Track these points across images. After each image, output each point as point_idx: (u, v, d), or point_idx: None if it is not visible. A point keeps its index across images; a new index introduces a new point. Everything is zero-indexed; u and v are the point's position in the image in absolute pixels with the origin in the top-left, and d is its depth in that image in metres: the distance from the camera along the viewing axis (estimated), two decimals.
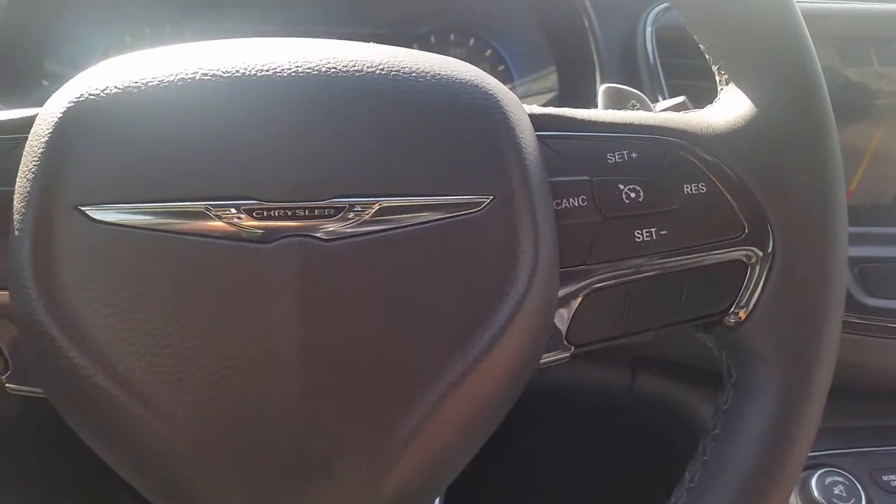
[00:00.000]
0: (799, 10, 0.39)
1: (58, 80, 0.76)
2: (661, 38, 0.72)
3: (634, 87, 0.72)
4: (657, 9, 0.73)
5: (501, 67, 0.86)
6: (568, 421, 0.91)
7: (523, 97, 0.84)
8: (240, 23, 0.85)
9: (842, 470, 0.67)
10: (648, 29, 0.72)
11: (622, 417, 0.89)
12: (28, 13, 0.74)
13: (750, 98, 0.38)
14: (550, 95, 0.82)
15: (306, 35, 0.84)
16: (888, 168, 0.76)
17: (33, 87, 0.76)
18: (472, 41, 0.87)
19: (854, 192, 0.75)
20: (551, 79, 0.82)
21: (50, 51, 0.77)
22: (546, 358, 0.37)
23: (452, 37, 0.87)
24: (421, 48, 0.87)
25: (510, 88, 0.85)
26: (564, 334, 0.37)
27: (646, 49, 0.71)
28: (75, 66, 0.79)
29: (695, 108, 0.45)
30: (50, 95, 0.34)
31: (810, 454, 0.69)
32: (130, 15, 0.82)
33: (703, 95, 0.43)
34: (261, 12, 0.86)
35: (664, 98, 0.70)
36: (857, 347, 0.68)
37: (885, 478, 0.67)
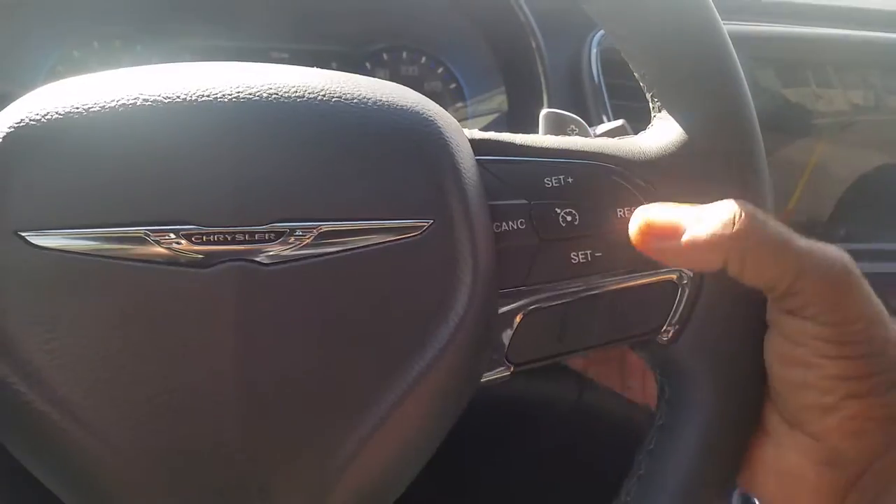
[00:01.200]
0: (728, 39, 0.40)
1: (3, 100, 0.75)
2: (606, 60, 0.74)
3: (580, 108, 0.74)
4: (602, 31, 0.75)
5: (453, 85, 0.87)
6: (514, 434, 0.92)
7: (473, 117, 0.86)
8: (191, 38, 0.85)
9: None
10: (594, 51, 0.74)
11: (570, 430, 0.90)
12: None
13: (681, 124, 0.39)
14: (499, 114, 0.84)
15: (259, 51, 0.86)
16: (825, 186, 0.78)
17: None
18: (423, 59, 0.88)
19: (792, 211, 0.78)
20: (500, 98, 0.84)
21: None
22: (487, 377, 0.38)
23: (405, 55, 0.88)
24: (374, 65, 0.88)
25: (461, 108, 0.87)
26: (505, 353, 0.38)
27: (591, 70, 0.72)
28: (23, 85, 0.78)
29: (635, 130, 0.46)
30: None
31: None
32: (78, 30, 0.81)
33: (646, 117, 0.45)
34: (214, 28, 0.86)
35: (608, 118, 0.72)
36: None
37: None
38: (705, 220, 0.36)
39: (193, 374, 0.32)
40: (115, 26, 0.82)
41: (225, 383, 0.32)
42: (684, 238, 0.36)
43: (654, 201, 0.38)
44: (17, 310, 0.31)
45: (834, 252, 0.36)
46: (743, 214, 0.35)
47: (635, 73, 0.41)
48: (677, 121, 0.40)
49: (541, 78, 0.74)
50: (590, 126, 0.58)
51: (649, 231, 0.37)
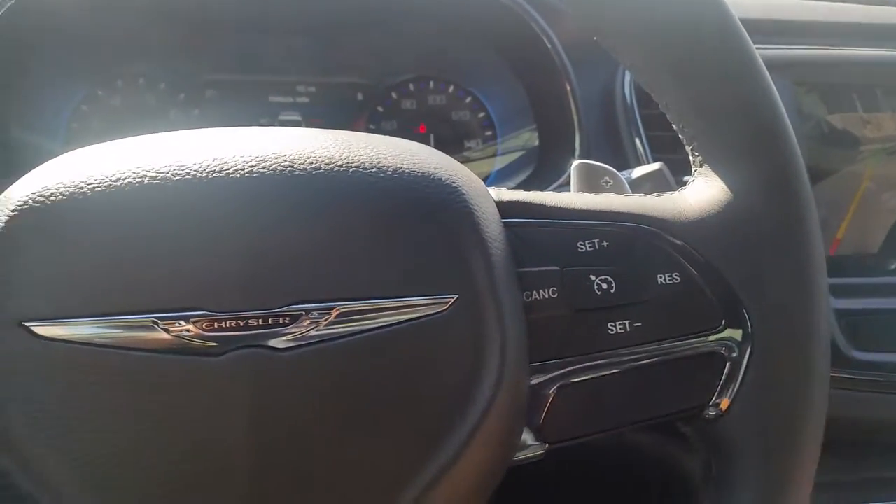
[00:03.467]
0: (773, 88, 0.37)
1: (24, 150, 0.75)
2: (640, 89, 0.71)
3: (614, 140, 0.71)
4: None
5: (482, 114, 0.85)
6: (558, 480, 0.90)
7: (503, 153, 0.83)
8: (216, 74, 0.84)
9: None
10: (627, 80, 0.71)
11: (612, 472, 0.87)
12: None
13: (724, 181, 0.37)
14: (529, 150, 0.81)
15: (285, 85, 0.84)
16: (874, 216, 0.75)
17: None
18: (451, 88, 0.86)
19: (840, 241, 0.74)
20: (530, 133, 0.81)
21: (12, 113, 0.75)
22: (520, 456, 0.36)
23: (432, 84, 0.86)
24: (400, 96, 0.86)
25: (491, 137, 0.85)
26: (539, 430, 0.36)
27: (624, 101, 0.70)
28: (45, 131, 0.78)
29: (674, 172, 0.44)
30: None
31: None
32: (101, 69, 0.80)
33: (685, 150, 0.41)
34: (238, 63, 0.85)
35: (645, 149, 0.69)
36: (844, 402, 0.66)
37: None
38: None
39: (207, 471, 0.30)
40: (139, 64, 0.81)
41: (239, 478, 0.30)
42: None
43: (696, 266, 0.36)
44: (21, 402, 0.30)
45: None
46: None
47: (674, 126, 0.39)
48: (720, 177, 0.37)
49: (572, 109, 0.71)
50: (626, 167, 0.56)
51: None
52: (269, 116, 0.83)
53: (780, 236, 0.36)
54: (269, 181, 0.32)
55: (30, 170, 0.33)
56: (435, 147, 0.88)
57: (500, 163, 0.83)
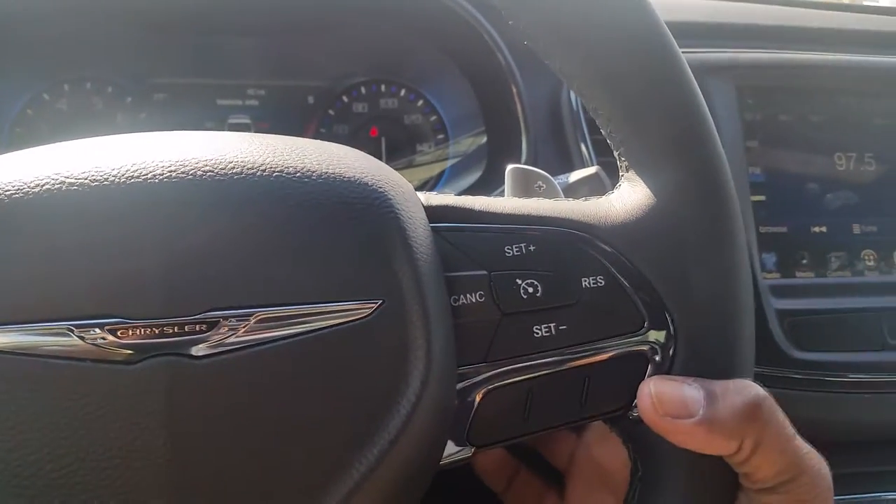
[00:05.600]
0: (699, 92, 0.38)
1: None
2: None
3: (560, 145, 0.72)
4: None
5: (434, 118, 0.85)
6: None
7: (454, 157, 0.83)
8: (165, 77, 0.83)
9: None
10: None
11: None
12: None
13: (649, 186, 0.37)
14: (480, 143, 0.81)
15: (234, 88, 0.84)
16: (816, 217, 0.76)
17: None
18: (403, 91, 0.86)
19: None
20: (480, 136, 0.82)
21: None
22: (446, 459, 0.36)
23: (383, 87, 0.86)
24: (351, 99, 0.86)
25: (443, 140, 0.85)
26: (466, 434, 0.36)
27: (570, 106, 0.70)
28: None
29: (615, 179, 0.44)
30: None
31: None
32: (47, 73, 0.79)
33: None
34: (189, 65, 0.84)
35: (590, 154, 0.70)
36: (788, 402, 0.67)
37: None
38: (723, 401, 0.34)
39: (121, 480, 0.30)
40: (86, 68, 0.80)
41: (154, 489, 0.30)
42: (698, 418, 0.34)
43: (621, 269, 0.36)
44: None
45: (819, 457, 0.36)
46: (765, 402, 0.35)
47: (602, 130, 0.39)
48: (646, 182, 0.37)
49: (520, 114, 0.72)
50: (572, 170, 0.56)
51: (660, 407, 0.34)
52: (217, 120, 0.82)
53: (704, 239, 0.36)
54: (189, 186, 0.31)
55: None
56: (387, 151, 0.88)
57: (450, 166, 0.83)
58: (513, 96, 0.72)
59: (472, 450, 0.36)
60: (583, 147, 0.70)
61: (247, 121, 0.83)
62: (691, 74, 0.38)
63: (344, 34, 0.84)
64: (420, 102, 0.85)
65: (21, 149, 0.34)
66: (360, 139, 0.84)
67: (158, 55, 0.83)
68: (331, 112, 0.85)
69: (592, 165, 0.63)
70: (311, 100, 0.85)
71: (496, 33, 0.75)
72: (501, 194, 0.47)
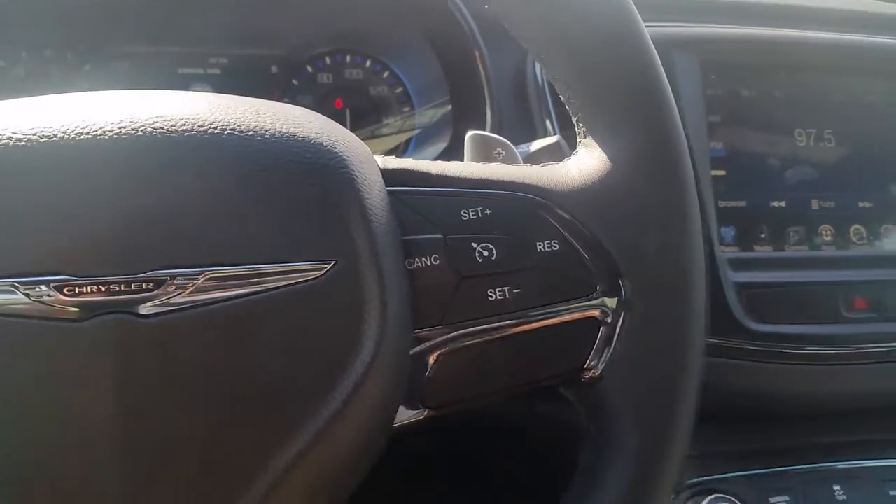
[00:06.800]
0: (657, 60, 0.38)
1: None
2: None
3: (525, 115, 0.72)
4: None
5: (399, 89, 0.85)
6: (475, 446, 0.91)
7: (420, 126, 0.83)
8: (126, 45, 0.81)
9: (729, 495, 0.67)
10: None
11: (527, 438, 0.88)
12: None
13: (605, 152, 0.37)
14: (445, 111, 0.81)
15: (197, 56, 0.82)
16: (776, 192, 0.77)
17: None
18: (368, 63, 0.85)
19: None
20: (446, 106, 0.81)
21: None
22: (399, 422, 0.36)
23: (348, 58, 0.85)
24: (316, 69, 0.85)
25: (409, 112, 0.85)
26: (420, 396, 0.36)
27: (535, 77, 0.70)
28: None
29: (571, 149, 0.44)
30: None
31: (701, 479, 0.70)
32: (5, 40, 0.77)
33: None
34: (150, 34, 0.83)
35: (553, 125, 0.70)
36: (745, 373, 0.69)
37: (771, 500, 0.68)
38: None
39: (70, 439, 0.29)
40: (45, 35, 0.78)
41: (104, 447, 0.29)
42: None
43: (576, 234, 0.36)
44: None
45: None
46: None
47: (561, 96, 0.39)
48: (602, 148, 0.38)
49: (484, 85, 0.71)
50: (532, 139, 0.56)
51: None
52: (178, 89, 0.81)
53: (657, 208, 0.37)
54: (138, 143, 0.31)
55: None
56: (351, 122, 0.87)
57: (416, 136, 0.83)
58: (477, 66, 0.72)
59: (426, 412, 0.36)
60: (547, 121, 0.70)
61: (209, 90, 0.81)
62: (652, 45, 0.38)
63: (309, 3, 0.83)
64: (386, 73, 0.85)
65: None
66: (324, 110, 0.83)
67: (118, 22, 0.81)
68: (294, 82, 0.84)
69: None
70: (274, 69, 0.84)
71: (461, 3, 0.74)
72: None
